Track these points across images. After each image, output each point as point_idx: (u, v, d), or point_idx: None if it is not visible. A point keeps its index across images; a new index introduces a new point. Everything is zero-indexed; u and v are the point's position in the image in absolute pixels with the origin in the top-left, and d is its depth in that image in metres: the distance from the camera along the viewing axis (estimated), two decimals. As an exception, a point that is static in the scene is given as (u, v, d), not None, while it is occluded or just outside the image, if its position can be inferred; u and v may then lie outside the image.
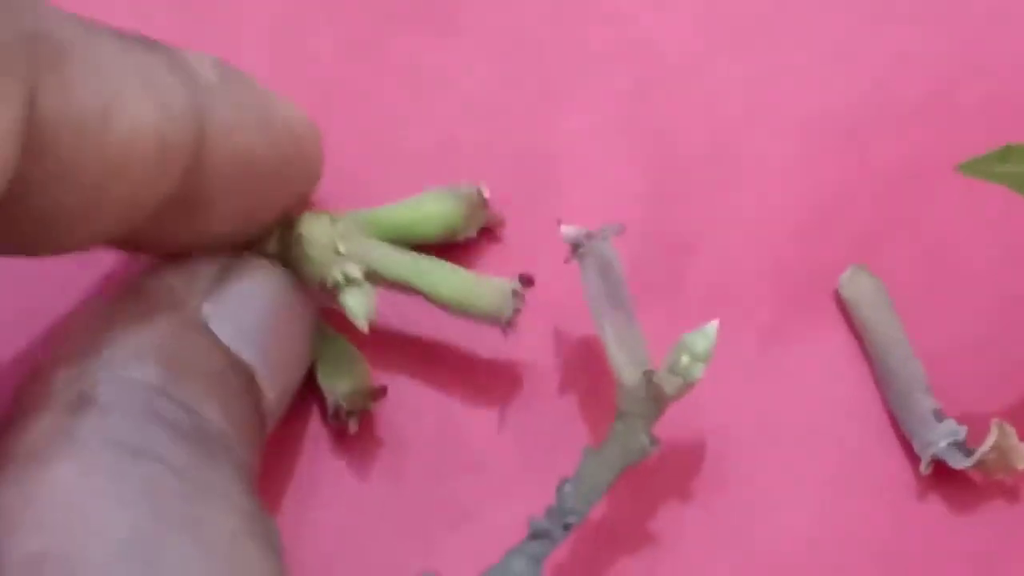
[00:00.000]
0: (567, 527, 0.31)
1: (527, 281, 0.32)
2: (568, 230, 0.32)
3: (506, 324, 0.32)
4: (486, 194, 0.34)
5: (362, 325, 0.32)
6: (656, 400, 0.31)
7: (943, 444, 0.33)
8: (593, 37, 0.37)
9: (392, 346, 0.34)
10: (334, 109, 0.36)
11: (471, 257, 0.35)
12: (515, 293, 0.32)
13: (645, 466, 0.33)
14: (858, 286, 0.34)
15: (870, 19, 0.37)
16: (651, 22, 0.37)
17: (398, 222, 0.33)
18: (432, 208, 0.34)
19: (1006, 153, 0.31)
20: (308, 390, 0.33)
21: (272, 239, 0.32)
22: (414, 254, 0.33)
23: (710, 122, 0.36)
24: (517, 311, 0.32)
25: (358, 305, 0.32)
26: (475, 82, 0.37)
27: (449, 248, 0.34)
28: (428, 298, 0.32)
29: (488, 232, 0.35)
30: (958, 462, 0.33)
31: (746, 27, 0.37)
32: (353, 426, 0.33)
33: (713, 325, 0.31)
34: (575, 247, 0.32)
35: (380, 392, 0.33)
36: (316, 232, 0.32)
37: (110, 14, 0.37)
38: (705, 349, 0.30)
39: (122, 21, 0.37)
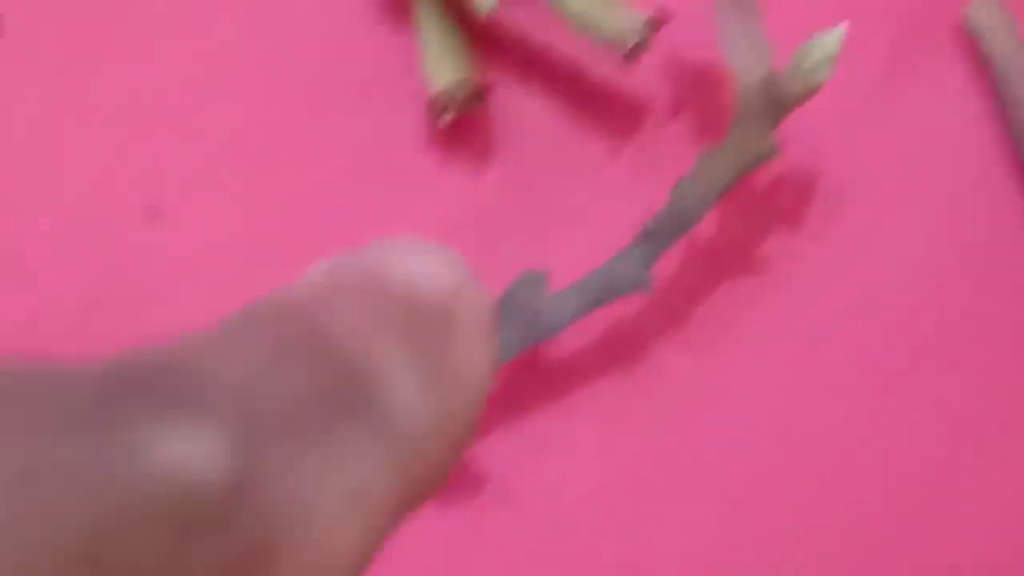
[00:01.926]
0: (681, 229, 0.30)
1: (661, 18, 0.31)
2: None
3: (628, 54, 0.31)
4: None
5: (483, 8, 0.31)
6: (777, 103, 0.30)
7: (1064, 179, 0.32)
8: None
9: (512, 51, 0.34)
10: None
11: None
12: (646, 24, 0.31)
13: (757, 190, 0.33)
14: (986, 17, 0.34)
15: None
16: None
17: None
18: None
19: None
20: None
21: None
22: None
23: None
24: (643, 44, 0.31)
25: None
26: None
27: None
28: (559, 7, 0.32)
29: None
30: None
31: None
32: (446, 119, 0.32)
33: (841, 29, 0.30)
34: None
35: (486, 88, 0.32)
36: None
37: None
38: (831, 52, 0.30)
39: None
